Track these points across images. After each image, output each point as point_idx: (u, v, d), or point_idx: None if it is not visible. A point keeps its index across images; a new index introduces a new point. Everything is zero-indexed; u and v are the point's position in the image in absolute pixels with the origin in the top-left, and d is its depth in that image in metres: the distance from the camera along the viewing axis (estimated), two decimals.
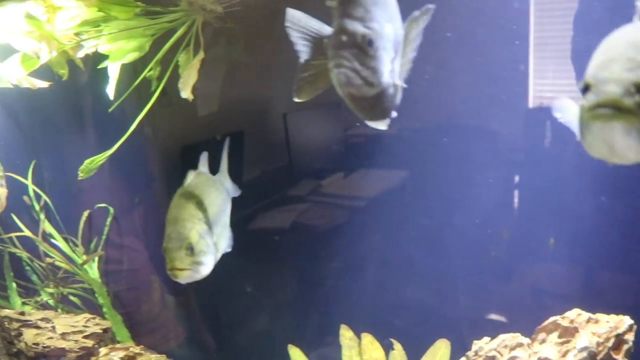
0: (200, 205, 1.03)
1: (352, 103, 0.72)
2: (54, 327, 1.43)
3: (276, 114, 1.49)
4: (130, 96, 1.36)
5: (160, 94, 1.35)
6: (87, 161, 1.37)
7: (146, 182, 1.56)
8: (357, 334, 1.26)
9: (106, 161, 1.37)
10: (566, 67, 1.21)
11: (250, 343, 1.54)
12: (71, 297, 1.57)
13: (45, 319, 1.45)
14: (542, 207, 1.31)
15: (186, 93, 1.23)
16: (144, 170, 1.56)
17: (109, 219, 1.53)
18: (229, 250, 1.07)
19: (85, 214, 1.55)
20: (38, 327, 1.45)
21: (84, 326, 1.41)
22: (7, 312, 1.50)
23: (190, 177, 1.10)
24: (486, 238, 1.35)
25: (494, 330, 1.12)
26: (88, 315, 1.44)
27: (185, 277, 0.96)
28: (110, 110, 1.40)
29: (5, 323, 1.48)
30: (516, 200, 1.39)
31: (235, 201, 1.46)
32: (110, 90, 1.33)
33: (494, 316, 1.40)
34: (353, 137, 1.40)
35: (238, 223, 1.50)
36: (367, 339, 1.25)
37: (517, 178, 1.42)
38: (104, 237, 1.54)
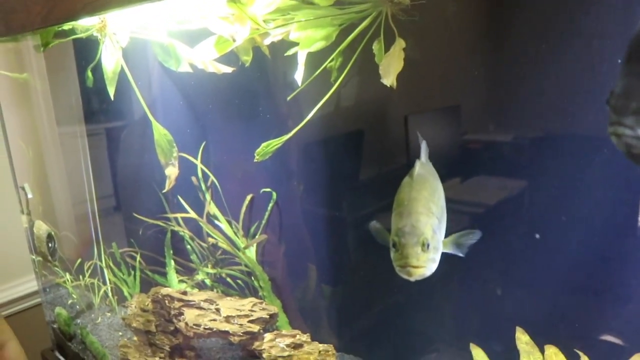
0: (432, 197, 0.97)
1: (630, 157, 0.67)
2: (218, 310, 1.44)
3: (397, 116, 1.46)
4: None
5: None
6: (264, 144, 1.39)
7: (307, 170, 1.56)
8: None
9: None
10: None
11: (404, 341, 1.52)
12: (228, 279, 1.60)
13: (209, 300, 1.47)
14: None
15: (389, 80, 1.21)
16: (303, 158, 1.56)
17: (270, 204, 1.54)
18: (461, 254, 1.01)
19: (248, 197, 1.56)
20: (201, 308, 1.48)
21: (250, 310, 1.41)
22: (169, 290, 1.54)
23: (417, 166, 1.04)
24: (606, 255, 1.27)
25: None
26: (255, 300, 1.44)
27: (418, 275, 0.91)
28: (289, 98, 1.41)
29: (167, 301, 1.51)
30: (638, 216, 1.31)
31: (351, 201, 1.43)
32: (299, 77, 1.33)
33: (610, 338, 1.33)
34: (470, 143, 1.35)
35: (355, 224, 1.48)
36: (552, 350, 1.21)
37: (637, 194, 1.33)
38: (263, 222, 1.55)
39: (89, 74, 1.55)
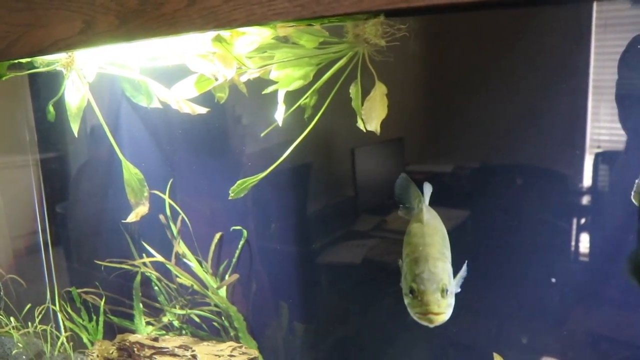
0: (444, 242, 0.97)
1: None
2: (194, 356, 1.38)
3: (344, 149, 1.49)
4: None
5: None
6: (239, 182, 1.37)
7: (278, 207, 1.55)
8: None
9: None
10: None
11: None
12: (195, 318, 1.54)
13: (184, 346, 1.41)
14: (601, 250, 1.30)
15: (373, 126, 1.24)
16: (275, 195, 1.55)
17: (241, 242, 1.51)
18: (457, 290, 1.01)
19: (217, 235, 1.53)
20: (175, 355, 1.41)
21: (229, 355, 1.36)
22: (138, 337, 1.46)
23: (425, 211, 1.02)
24: (547, 283, 1.34)
25: None
26: (233, 344, 1.39)
27: (439, 322, 0.88)
28: (262, 134, 1.41)
29: (136, 349, 1.44)
30: (573, 243, 1.41)
31: (300, 234, 1.45)
32: (280, 116, 1.33)
33: None
34: (413, 174, 1.40)
35: (307, 257, 1.49)
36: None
37: (574, 220, 1.43)
38: (234, 260, 1.52)
39: (51, 108, 1.47)
